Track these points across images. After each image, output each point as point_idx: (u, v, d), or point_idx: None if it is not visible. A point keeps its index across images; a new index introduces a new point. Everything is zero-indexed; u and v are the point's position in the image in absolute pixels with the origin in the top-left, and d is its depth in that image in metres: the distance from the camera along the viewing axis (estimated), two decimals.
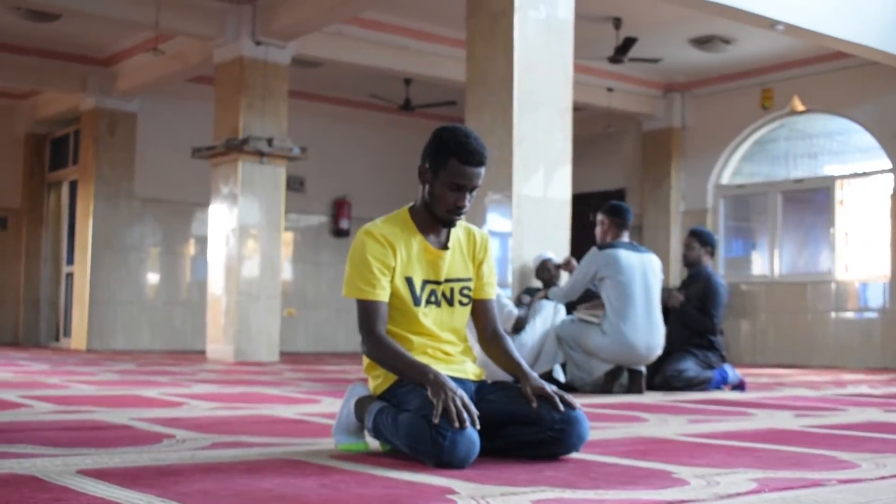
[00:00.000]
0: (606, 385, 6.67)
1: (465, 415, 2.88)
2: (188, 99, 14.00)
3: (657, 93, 14.78)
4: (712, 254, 7.66)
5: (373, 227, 3.25)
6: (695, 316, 7.35)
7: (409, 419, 2.97)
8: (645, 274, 6.65)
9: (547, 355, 6.79)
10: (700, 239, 7.61)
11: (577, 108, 9.88)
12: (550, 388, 3.12)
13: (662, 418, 4.78)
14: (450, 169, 3.17)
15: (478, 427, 2.91)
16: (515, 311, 6.82)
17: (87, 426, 3.97)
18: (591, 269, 6.67)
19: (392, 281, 3.23)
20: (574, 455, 3.14)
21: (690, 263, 7.64)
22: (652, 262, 6.78)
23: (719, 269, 14.18)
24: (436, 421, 2.85)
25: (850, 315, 12.99)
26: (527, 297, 7.10)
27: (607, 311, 6.61)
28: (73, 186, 14.87)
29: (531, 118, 7.78)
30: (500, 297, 6.91)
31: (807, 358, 13.21)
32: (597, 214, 7.01)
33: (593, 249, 6.74)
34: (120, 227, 14.03)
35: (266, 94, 11.32)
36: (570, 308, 7.08)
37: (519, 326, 6.81)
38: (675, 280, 13.43)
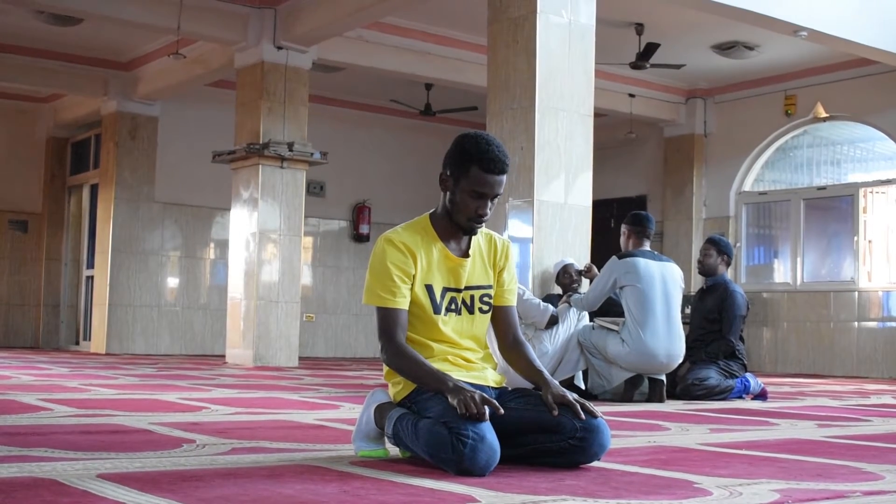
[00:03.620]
0: (626, 393, 6.64)
1: (486, 407, 2.88)
2: (209, 103, 14.04)
3: (679, 99, 14.73)
4: (728, 263, 7.60)
5: (393, 235, 3.23)
6: (715, 347, 7.29)
7: (429, 426, 2.95)
8: (665, 282, 6.62)
9: (568, 363, 6.76)
10: (718, 247, 7.54)
11: (599, 114, 9.83)
12: (572, 395, 3.10)
13: (684, 427, 4.75)
14: (471, 177, 3.15)
15: (501, 412, 2.90)
16: (551, 308, 6.78)
17: (106, 430, 3.97)
18: (611, 278, 6.65)
19: (412, 289, 3.21)
20: (595, 464, 3.12)
21: (707, 272, 7.58)
22: (672, 270, 6.74)
23: (741, 276, 14.12)
24: (462, 411, 2.85)
25: (873, 324, 12.90)
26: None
27: (627, 319, 6.59)
28: (94, 190, 14.94)
29: (552, 124, 7.76)
30: (529, 296, 6.89)
31: (829, 367, 13.12)
32: (621, 224, 7.01)
33: (613, 258, 6.73)
34: (140, 231, 14.07)
35: (287, 98, 11.34)
36: (592, 318, 7.06)
37: (553, 322, 6.76)
38: (695, 288, 13.37)
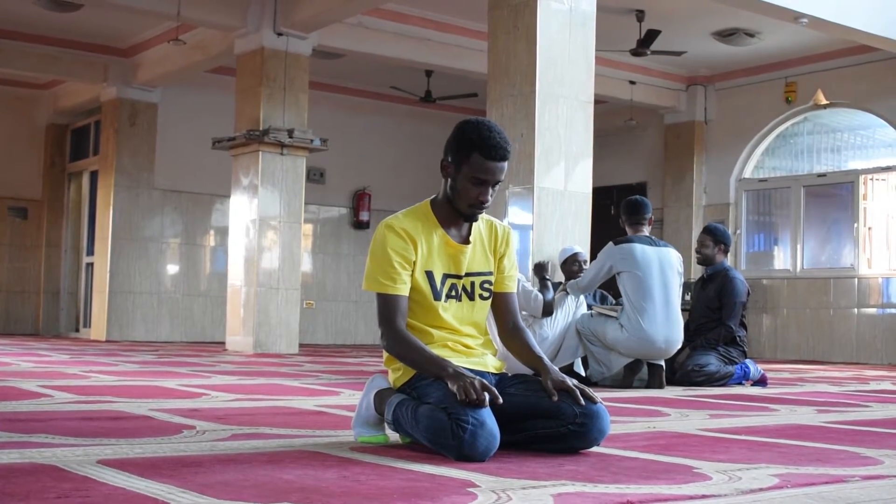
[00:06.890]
0: (626, 379, 6.64)
1: (486, 394, 2.88)
2: (209, 89, 14.02)
3: (680, 86, 14.71)
4: (726, 251, 7.58)
5: (394, 221, 3.23)
6: (716, 334, 7.28)
7: (429, 412, 2.96)
8: (662, 268, 6.62)
9: (567, 349, 6.77)
10: (714, 237, 7.53)
11: (599, 101, 9.81)
12: (571, 381, 3.10)
13: (683, 413, 4.76)
14: (472, 163, 3.15)
15: (500, 401, 2.90)
16: (542, 296, 6.77)
17: (107, 416, 3.98)
18: (606, 264, 6.67)
19: (412, 275, 3.22)
20: (594, 449, 3.12)
21: (704, 262, 7.58)
22: (670, 255, 6.73)
23: (741, 263, 14.13)
24: (461, 397, 2.85)
25: (872, 311, 12.91)
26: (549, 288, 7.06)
27: (625, 305, 6.59)
28: (94, 177, 14.93)
29: (553, 111, 7.75)
30: (526, 284, 6.89)
31: (829, 354, 13.14)
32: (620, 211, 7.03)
33: (609, 244, 6.74)
34: (140, 218, 14.07)
35: (287, 85, 11.32)
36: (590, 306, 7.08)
37: (548, 311, 6.76)
38: (695, 275, 13.38)
